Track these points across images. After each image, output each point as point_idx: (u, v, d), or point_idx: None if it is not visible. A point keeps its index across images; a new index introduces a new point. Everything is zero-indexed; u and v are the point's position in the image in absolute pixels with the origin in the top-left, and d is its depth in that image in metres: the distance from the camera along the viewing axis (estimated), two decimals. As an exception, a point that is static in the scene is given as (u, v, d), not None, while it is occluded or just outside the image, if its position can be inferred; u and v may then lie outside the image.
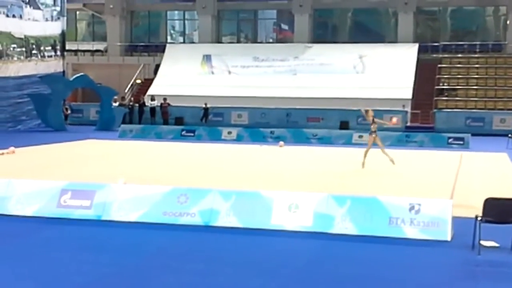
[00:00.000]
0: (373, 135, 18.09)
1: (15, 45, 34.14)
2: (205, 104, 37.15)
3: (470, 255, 8.98)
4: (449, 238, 9.74)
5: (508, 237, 9.15)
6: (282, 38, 46.02)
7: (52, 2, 36.56)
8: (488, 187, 15.07)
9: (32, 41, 35.23)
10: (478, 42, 41.17)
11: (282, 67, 40.71)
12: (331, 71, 39.33)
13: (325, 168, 18.57)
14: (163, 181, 14.20)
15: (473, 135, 28.61)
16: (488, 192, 11.83)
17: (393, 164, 17.70)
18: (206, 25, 44.99)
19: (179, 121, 36.80)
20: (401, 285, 7.74)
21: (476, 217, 9.09)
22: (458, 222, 10.13)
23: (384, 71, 38.49)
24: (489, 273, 8.39)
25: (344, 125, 34.59)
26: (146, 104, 38.30)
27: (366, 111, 18.35)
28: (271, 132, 29.39)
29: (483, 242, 9.12)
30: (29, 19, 34.96)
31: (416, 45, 40.39)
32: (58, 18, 37.25)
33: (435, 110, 36.20)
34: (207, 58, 42.25)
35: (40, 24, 35.83)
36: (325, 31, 45.23)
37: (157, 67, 43.20)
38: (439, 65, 39.52)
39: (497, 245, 9.34)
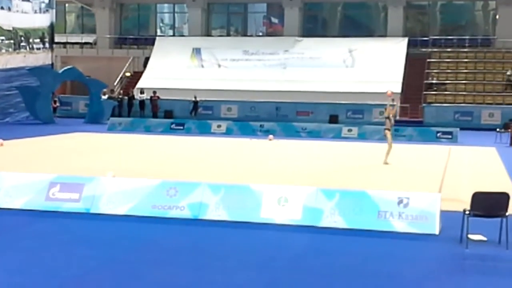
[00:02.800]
0: (390, 131, 18.00)
1: (3, 37, 33.93)
2: (195, 97, 37.10)
3: (458, 249, 9.03)
4: (437, 232, 9.79)
5: (496, 231, 9.20)
6: (272, 32, 45.93)
7: (41, -6, 36.38)
8: (476, 181, 15.16)
9: (20, 33, 35.02)
10: (467, 37, 41.25)
11: (272, 61, 40.64)
12: (321, 65, 39.31)
13: (314, 162, 18.61)
14: (152, 174, 14.18)
15: (461, 129, 28.75)
16: (476, 186, 11.90)
17: (383, 164, 17.75)
18: (196, 18, 44.84)
19: (168, 114, 36.74)
20: (389, 278, 7.77)
21: (464, 211, 9.14)
22: (446, 215, 10.18)
23: (374, 65, 38.49)
24: (477, 267, 8.44)
25: (333, 119, 34.66)
26: (135, 97, 38.20)
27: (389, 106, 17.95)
28: (261, 126, 29.40)
29: (471, 236, 9.17)
30: (17, 11, 34.74)
31: (406, 39, 40.40)
32: (47, 10, 37.04)
33: (424, 105, 36.31)
34: (197, 51, 42.13)
35: (29, 16, 35.62)
36: (315, 25, 45.19)
37: (147, 60, 43.03)
38: (429, 60, 39.59)
39: (484, 238, 9.39)
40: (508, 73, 37.01)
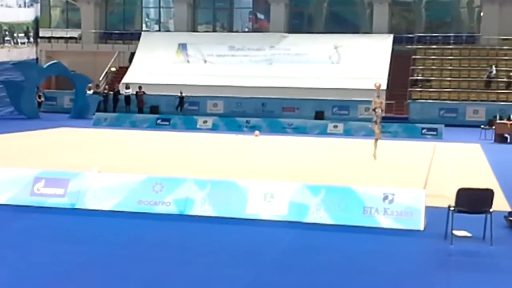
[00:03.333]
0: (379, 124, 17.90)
1: (-13, 32, 33.68)
2: (181, 93, 37.01)
3: (443, 245, 9.08)
4: (422, 228, 9.85)
5: (480, 227, 9.27)
6: (258, 28, 45.89)
7: (25, -12, 36.09)
8: (461, 177, 15.25)
9: (5, 27, 34.74)
10: (452, 34, 41.42)
11: (257, 57, 40.62)
12: (306, 61, 39.33)
13: (300, 158, 18.64)
14: (138, 169, 14.14)
15: (446, 126, 28.91)
16: (461, 182, 11.97)
17: (374, 159, 17.73)
18: (182, 13, 44.71)
19: (154, 109, 36.63)
20: (374, 274, 7.81)
21: (449, 207, 9.20)
22: (431, 211, 10.24)
23: (359, 62, 38.57)
24: (461, 263, 8.50)
25: (319, 115, 34.73)
26: (121, 92, 38.05)
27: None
28: (247, 122, 29.42)
29: (455, 232, 9.23)
30: (2, 5, 34.44)
31: (391, 36, 40.51)
32: (32, 5, 36.75)
33: (409, 101, 36.44)
34: (183, 46, 42.02)
35: (13, 10, 35.33)
36: (301, 21, 45.19)
37: (132, 55, 42.86)
38: (414, 56, 39.72)
39: (469, 234, 9.46)
40: (490, 69, 37.21)
